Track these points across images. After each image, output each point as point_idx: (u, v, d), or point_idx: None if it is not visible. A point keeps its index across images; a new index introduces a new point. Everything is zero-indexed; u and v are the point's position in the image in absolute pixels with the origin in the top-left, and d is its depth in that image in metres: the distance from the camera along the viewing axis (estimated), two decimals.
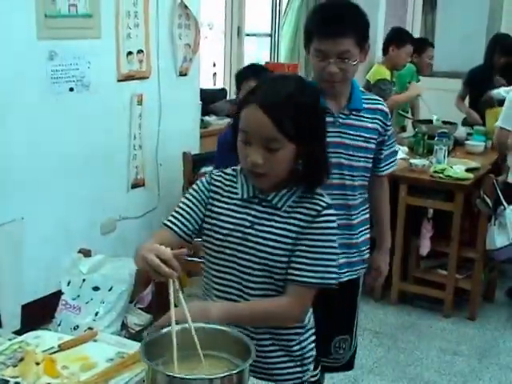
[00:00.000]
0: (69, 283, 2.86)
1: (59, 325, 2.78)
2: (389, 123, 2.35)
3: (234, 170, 1.82)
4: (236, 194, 1.77)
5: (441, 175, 4.10)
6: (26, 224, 3.42)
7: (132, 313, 2.88)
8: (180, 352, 1.50)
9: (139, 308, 2.91)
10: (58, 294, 2.95)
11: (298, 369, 1.82)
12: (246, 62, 5.82)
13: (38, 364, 1.70)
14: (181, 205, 1.80)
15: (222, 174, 1.82)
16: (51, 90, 3.47)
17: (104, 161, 3.85)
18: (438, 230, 4.21)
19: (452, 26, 7.24)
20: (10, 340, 1.85)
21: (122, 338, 2.22)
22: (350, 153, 2.26)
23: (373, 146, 2.31)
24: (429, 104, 4.98)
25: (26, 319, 3.24)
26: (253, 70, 3.62)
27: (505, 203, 3.94)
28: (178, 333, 1.52)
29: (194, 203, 1.79)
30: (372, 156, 2.34)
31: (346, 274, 2.41)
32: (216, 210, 1.77)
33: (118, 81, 3.90)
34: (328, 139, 1.86)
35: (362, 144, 2.29)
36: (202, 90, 4.72)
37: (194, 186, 1.83)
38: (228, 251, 1.73)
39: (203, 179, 1.83)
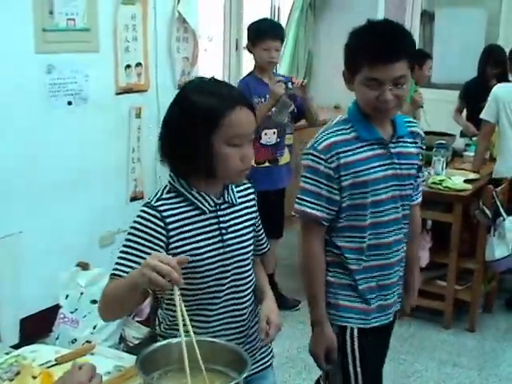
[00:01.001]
0: (67, 297, 2.86)
1: (57, 338, 2.77)
2: (424, 147, 2.22)
3: (168, 192, 1.71)
4: (195, 210, 1.71)
5: (439, 186, 4.10)
6: (24, 238, 3.41)
7: (130, 326, 2.87)
8: (178, 365, 1.50)
9: (137, 321, 2.91)
10: (56, 308, 2.95)
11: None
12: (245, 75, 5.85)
13: (34, 378, 1.70)
14: (133, 251, 1.64)
15: (164, 201, 1.69)
16: (49, 103, 3.48)
17: (103, 174, 3.86)
18: (437, 241, 4.21)
19: (450, 37, 7.26)
20: (6, 354, 1.85)
21: (120, 351, 2.22)
22: (402, 183, 2.10)
23: (415, 171, 2.16)
24: (424, 115, 5.01)
25: (25, 333, 3.24)
26: (271, 27, 3.87)
27: (504, 214, 3.94)
28: (177, 345, 1.52)
29: (150, 247, 1.64)
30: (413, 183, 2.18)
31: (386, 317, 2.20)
32: (185, 235, 1.69)
33: (117, 94, 3.91)
34: (381, 173, 1.99)
35: (410, 171, 2.13)
36: None
37: (139, 225, 1.65)
38: (214, 265, 1.74)
39: (147, 215, 1.66)
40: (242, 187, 1.86)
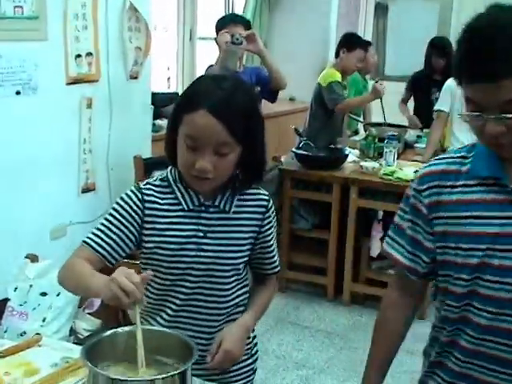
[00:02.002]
0: (15, 289, 2.81)
1: (5, 331, 2.73)
2: None
3: (162, 180, 1.74)
4: (176, 205, 1.70)
5: (391, 177, 4.16)
6: None
7: (81, 318, 2.84)
8: (125, 356, 1.49)
9: (88, 313, 2.88)
10: (4, 301, 2.89)
11: (250, 360, 1.84)
12: (199, 66, 5.83)
13: None
14: (109, 225, 1.68)
15: (152, 187, 1.72)
16: None
17: (53, 165, 3.80)
18: (388, 231, 4.26)
19: (403, 29, 7.36)
20: None
21: (70, 343, 2.20)
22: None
23: None
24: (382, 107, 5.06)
25: None
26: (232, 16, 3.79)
27: None
28: (123, 335, 1.51)
29: (125, 225, 1.68)
30: None
31: None
32: (159, 226, 1.69)
33: (67, 84, 3.84)
34: (497, 228, 1.39)
35: None
36: (153, 94, 4.69)
37: (121, 202, 1.69)
38: (181, 265, 1.70)
39: (131, 194, 1.70)
40: (252, 196, 1.75)
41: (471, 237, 1.42)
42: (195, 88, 1.66)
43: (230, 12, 6.22)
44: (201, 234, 1.69)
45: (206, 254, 1.69)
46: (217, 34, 4.10)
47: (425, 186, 1.48)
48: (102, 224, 1.70)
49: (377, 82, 4.86)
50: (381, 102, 4.88)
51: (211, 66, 4.17)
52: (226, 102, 1.58)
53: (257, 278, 1.89)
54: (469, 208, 1.43)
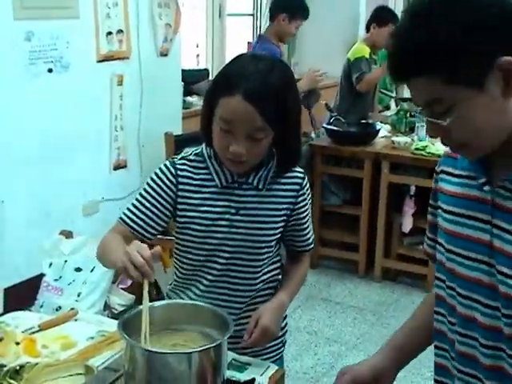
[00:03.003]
0: (50, 265, 2.85)
1: (41, 306, 2.76)
2: None
3: (196, 155, 1.74)
4: (210, 181, 1.70)
5: (422, 152, 4.12)
6: (6, 207, 3.39)
7: (115, 293, 2.87)
8: (160, 327, 1.51)
9: (121, 288, 2.90)
10: (40, 277, 2.94)
11: (280, 333, 1.85)
12: (228, 43, 5.80)
13: (17, 344, 1.70)
14: (143, 201, 1.70)
15: (186, 162, 1.73)
16: (29, 71, 3.43)
17: (85, 142, 3.83)
18: (420, 207, 4.23)
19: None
20: None
21: (104, 317, 2.23)
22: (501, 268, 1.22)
23: None
24: None
25: (9, 303, 3.23)
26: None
27: None
28: (159, 310, 1.53)
29: (158, 201, 1.70)
30: None
31: None
32: (192, 201, 1.70)
33: (98, 61, 3.86)
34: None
35: None
36: (183, 71, 4.69)
37: (155, 177, 1.71)
38: (213, 241, 1.71)
39: (164, 169, 1.71)
40: (287, 174, 1.74)
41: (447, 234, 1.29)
42: (232, 69, 1.63)
43: None
44: (233, 211, 1.70)
45: (238, 230, 1.70)
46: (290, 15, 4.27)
47: (439, 169, 1.35)
48: (137, 199, 1.72)
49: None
50: None
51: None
52: (262, 86, 1.56)
53: (291, 255, 1.89)
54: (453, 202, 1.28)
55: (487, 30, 1.07)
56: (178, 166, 1.72)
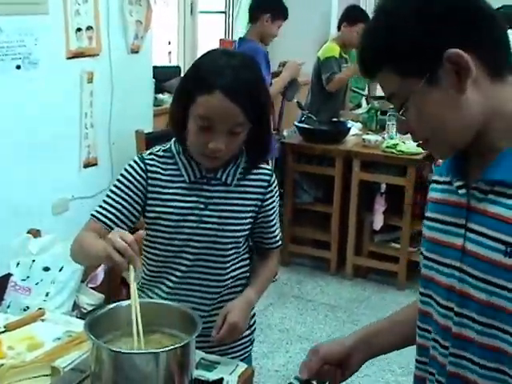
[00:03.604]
0: (18, 264, 2.82)
1: (9, 307, 2.74)
2: None
3: (165, 151, 1.75)
4: (179, 176, 1.71)
5: (393, 150, 4.15)
6: None
7: (84, 292, 2.85)
8: (128, 328, 1.50)
9: (91, 287, 2.88)
10: (7, 277, 2.90)
11: (248, 331, 1.85)
12: (201, 40, 5.78)
13: None
14: (114, 196, 1.72)
15: (155, 157, 1.74)
16: None
17: (55, 140, 3.78)
18: (390, 205, 4.26)
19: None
20: None
21: (74, 317, 2.21)
22: (472, 271, 1.17)
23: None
24: None
25: None
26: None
27: None
28: (126, 309, 1.52)
29: (129, 195, 1.71)
30: None
31: None
32: (161, 196, 1.71)
33: (67, 58, 3.81)
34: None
35: (492, 256, 1.12)
36: (155, 68, 4.66)
37: (125, 173, 1.73)
38: (182, 236, 1.71)
39: (134, 165, 1.73)
40: (255, 170, 1.76)
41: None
42: (205, 65, 1.63)
43: None
44: (202, 206, 1.71)
45: (207, 225, 1.71)
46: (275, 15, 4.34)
47: (431, 179, 1.34)
48: (108, 195, 1.73)
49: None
50: None
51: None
52: (239, 81, 1.58)
53: (259, 252, 1.90)
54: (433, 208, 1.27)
55: (435, 22, 1.08)
56: (147, 162, 1.73)
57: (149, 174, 1.71)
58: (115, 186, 1.73)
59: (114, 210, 1.71)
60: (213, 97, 1.55)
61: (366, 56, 1.17)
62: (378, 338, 1.46)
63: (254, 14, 4.37)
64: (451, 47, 1.06)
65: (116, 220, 1.70)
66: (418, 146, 1.27)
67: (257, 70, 1.69)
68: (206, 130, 1.59)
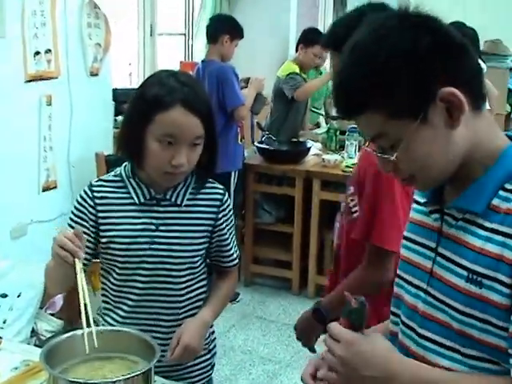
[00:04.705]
0: None
1: None
2: None
3: (115, 175, 1.77)
4: (129, 199, 1.73)
5: (352, 170, 4.19)
6: None
7: (42, 319, 2.81)
8: (85, 356, 1.49)
9: (50, 314, 2.84)
10: None
11: (208, 355, 1.85)
12: (161, 62, 5.79)
13: None
14: (70, 228, 1.70)
15: (103, 183, 1.77)
16: None
17: (12, 163, 3.74)
18: None
19: None
20: None
21: (32, 345, 2.18)
22: (439, 304, 1.22)
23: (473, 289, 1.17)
24: None
25: None
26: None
27: None
28: (83, 337, 1.51)
29: (82, 225, 1.72)
30: None
31: None
32: (112, 220, 1.73)
33: (26, 81, 3.79)
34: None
35: (459, 283, 1.16)
36: (115, 90, 4.65)
37: (76, 204, 1.76)
38: (135, 259, 1.72)
39: (83, 194, 1.76)
40: (206, 190, 1.77)
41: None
42: (158, 86, 1.64)
43: (190, 8, 6.20)
44: (153, 227, 1.72)
45: (159, 246, 1.72)
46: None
47: (414, 199, 1.36)
48: (68, 226, 1.75)
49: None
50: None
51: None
52: (195, 94, 1.63)
53: (217, 271, 1.91)
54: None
55: (421, 62, 1.07)
56: (95, 188, 1.75)
57: (96, 201, 1.73)
58: (70, 218, 1.77)
59: None
60: (173, 112, 1.59)
61: (346, 97, 1.14)
62: None
63: (213, 35, 4.43)
64: (442, 86, 1.07)
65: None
66: (402, 182, 1.25)
67: (203, 86, 1.80)
68: (168, 146, 1.61)
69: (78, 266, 1.52)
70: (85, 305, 1.49)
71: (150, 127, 1.62)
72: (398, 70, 1.07)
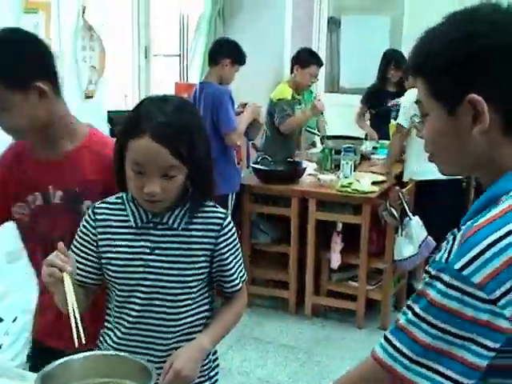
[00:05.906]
0: None
1: None
2: None
3: (117, 197, 1.78)
4: (127, 222, 1.73)
5: (348, 189, 4.20)
6: None
7: None
8: (81, 381, 1.48)
9: None
10: None
11: (207, 383, 1.82)
12: (156, 83, 5.81)
13: None
14: (75, 250, 1.75)
15: (107, 205, 1.77)
16: None
17: None
18: (347, 243, 4.30)
19: (356, 43, 7.45)
20: None
21: (27, 370, 2.15)
22: None
23: None
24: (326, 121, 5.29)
25: None
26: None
27: (410, 214, 4.06)
28: (79, 361, 1.50)
29: (87, 246, 1.74)
30: None
31: None
32: (110, 242, 1.73)
33: None
34: None
35: None
36: (110, 112, 4.67)
37: (81, 226, 1.77)
38: (130, 282, 1.71)
39: (86, 216, 1.77)
40: (206, 214, 1.74)
41: None
42: (138, 113, 1.65)
43: (185, 29, 6.24)
44: (148, 251, 1.71)
45: (154, 270, 1.70)
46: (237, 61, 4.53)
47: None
48: (71, 249, 1.74)
49: (315, 99, 4.97)
50: (322, 116, 5.14)
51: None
52: (168, 125, 1.59)
53: (223, 296, 1.86)
54: None
55: (461, 65, 1.14)
56: (96, 210, 1.76)
57: (97, 223, 1.74)
58: (75, 239, 1.76)
59: (82, 267, 1.73)
60: (142, 140, 1.58)
61: (409, 60, 1.27)
62: None
63: (214, 57, 4.46)
64: (477, 91, 1.13)
65: (82, 272, 1.72)
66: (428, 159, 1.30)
67: (192, 114, 1.71)
68: (140, 174, 1.61)
69: (66, 279, 1.52)
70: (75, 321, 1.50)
71: (126, 153, 1.63)
72: (445, 64, 1.16)
